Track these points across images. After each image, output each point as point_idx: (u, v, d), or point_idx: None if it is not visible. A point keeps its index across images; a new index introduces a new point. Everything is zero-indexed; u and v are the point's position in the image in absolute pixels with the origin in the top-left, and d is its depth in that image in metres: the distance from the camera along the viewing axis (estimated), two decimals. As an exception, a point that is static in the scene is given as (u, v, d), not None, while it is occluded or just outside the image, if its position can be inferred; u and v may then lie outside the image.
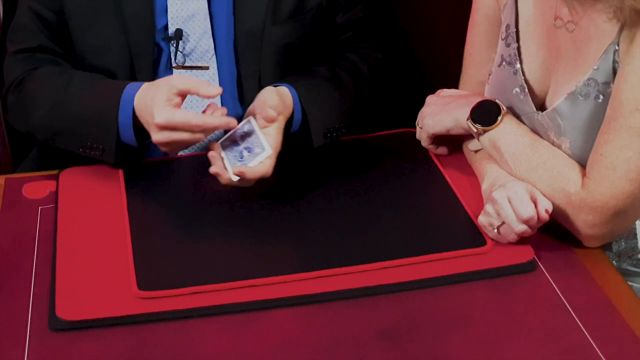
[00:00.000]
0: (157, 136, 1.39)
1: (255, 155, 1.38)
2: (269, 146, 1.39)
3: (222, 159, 1.40)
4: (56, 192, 1.46)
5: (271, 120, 1.41)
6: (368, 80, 1.64)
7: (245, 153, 1.39)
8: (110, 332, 1.17)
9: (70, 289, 1.23)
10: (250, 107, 1.47)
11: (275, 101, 1.45)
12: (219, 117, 1.39)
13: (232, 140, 1.42)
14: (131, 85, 1.45)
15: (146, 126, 1.41)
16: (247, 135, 1.41)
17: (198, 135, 1.38)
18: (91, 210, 1.41)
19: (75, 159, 1.52)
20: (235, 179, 1.37)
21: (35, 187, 1.49)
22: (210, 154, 1.41)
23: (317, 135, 1.52)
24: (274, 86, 1.51)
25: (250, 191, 1.43)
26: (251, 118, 1.43)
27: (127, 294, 1.22)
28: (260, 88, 1.53)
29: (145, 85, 1.44)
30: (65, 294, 1.22)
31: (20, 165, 1.75)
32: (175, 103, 1.37)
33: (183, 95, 1.39)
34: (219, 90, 1.37)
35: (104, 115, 1.45)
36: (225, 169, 1.38)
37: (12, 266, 1.30)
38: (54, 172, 1.52)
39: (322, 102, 1.54)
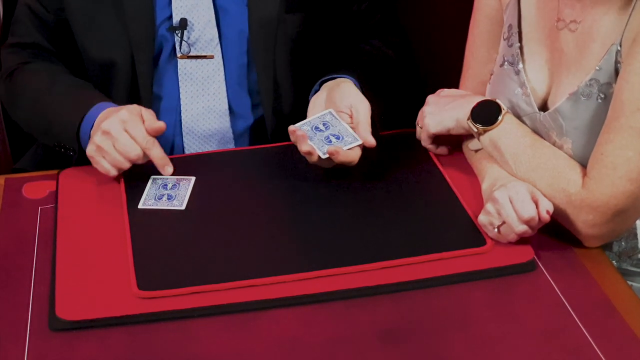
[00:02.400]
0: (97, 139, 1.41)
1: (347, 142, 1.40)
2: (359, 137, 1.41)
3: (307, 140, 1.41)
4: (56, 192, 1.46)
5: (372, 146, 1.41)
6: (395, 64, 1.65)
7: (333, 139, 1.41)
8: (110, 332, 1.17)
9: (70, 289, 1.23)
10: (328, 102, 1.48)
11: (368, 112, 1.44)
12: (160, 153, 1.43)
13: (312, 126, 1.43)
14: (103, 103, 1.48)
15: (93, 133, 1.44)
16: (330, 124, 1.43)
17: (137, 151, 1.41)
18: (91, 210, 1.41)
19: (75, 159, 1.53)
20: (325, 156, 1.39)
21: (35, 187, 1.49)
22: (297, 133, 1.41)
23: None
24: (331, 78, 1.52)
25: (249, 191, 1.44)
26: (332, 110, 1.45)
27: (127, 294, 1.22)
28: (275, 78, 1.56)
29: (112, 108, 1.46)
30: (65, 294, 1.23)
31: (19, 160, 1.75)
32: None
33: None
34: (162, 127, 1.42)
35: (68, 126, 1.48)
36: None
37: (12, 266, 1.30)
38: (54, 172, 1.52)
39: (374, 91, 1.54)
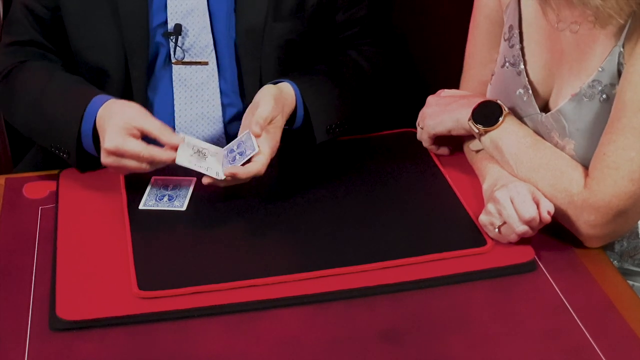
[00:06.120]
0: (105, 159, 1.40)
1: (245, 156, 1.38)
2: (258, 146, 1.39)
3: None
4: (56, 192, 1.46)
5: (257, 136, 1.40)
6: (369, 75, 1.64)
7: (237, 157, 1.39)
8: (110, 332, 1.17)
9: (70, 289, 1.24)
10: (250, 105, 1.48)
11: (269, 109, 1.43)
12: (168, 153, 1.39)
13: (227, 150, 1.42)
14: (98, 97, 1.46)
15: (101, 143, 1.42)
16: (243, 141, 1.41)
17: (144, 166, 1.40)
18: (91, 210, 1.41)
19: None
20: (222, 177, 1.37)
21: (35, 187, 1.49)
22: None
23: (319, 131, 1.53)
24: (274, 83, 1.51)
25: (250, 191, 1.44)
26: (249, 131, 1.42)
27: (127, 294, 1.22)
28: (261, 85, 1.54)
29: (110, 103, 1.45)
30: (65, 294, 1.23)
31: (19, 164, 1.75)
32: (131, 133, 1.39)
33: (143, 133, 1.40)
34: (180, 140, 1.39)
35: (68, 122, 1.46)
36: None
37: (12, 266, 1.30)
38: (54, 172, 1.52)
39: (324, 98, 1.54)
